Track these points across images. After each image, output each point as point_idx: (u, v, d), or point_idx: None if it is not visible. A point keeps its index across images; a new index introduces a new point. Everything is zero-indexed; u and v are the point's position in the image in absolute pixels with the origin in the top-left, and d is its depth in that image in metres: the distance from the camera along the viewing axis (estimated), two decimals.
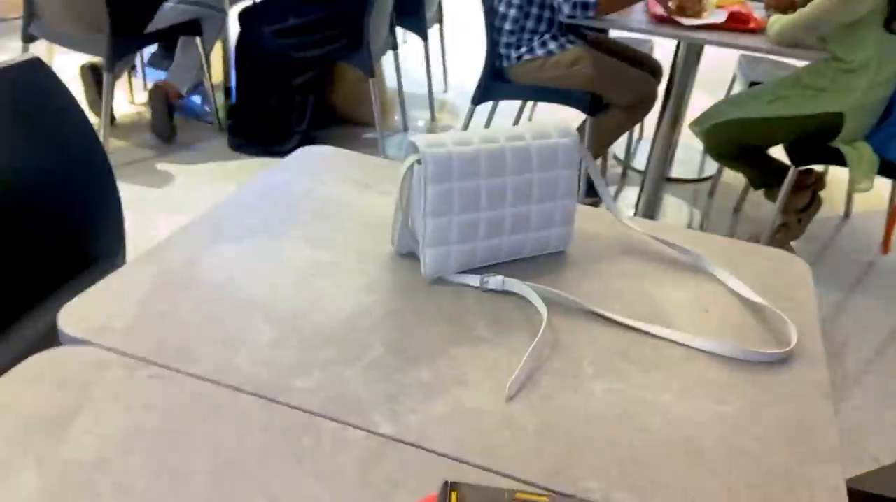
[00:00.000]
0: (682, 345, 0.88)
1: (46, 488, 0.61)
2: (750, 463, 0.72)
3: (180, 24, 2.93)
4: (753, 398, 0.80)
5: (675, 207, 3.09)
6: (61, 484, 0.62)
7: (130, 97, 3.60)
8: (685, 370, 0.84)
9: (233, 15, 3.22)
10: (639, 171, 3.36)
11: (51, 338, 0.79)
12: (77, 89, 3.17)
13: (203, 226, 1.02)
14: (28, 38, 2.84)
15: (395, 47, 3.39)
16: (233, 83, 3.33)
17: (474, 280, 0.93)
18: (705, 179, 3.38)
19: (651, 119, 2.81)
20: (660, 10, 2.40)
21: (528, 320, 0.89)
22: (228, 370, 0.76)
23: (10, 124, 1.18)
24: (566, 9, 2.31)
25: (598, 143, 2.70)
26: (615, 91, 2.58)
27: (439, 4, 3.81)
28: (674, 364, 0.84)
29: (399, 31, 3.46)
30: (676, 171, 3.39)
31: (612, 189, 3.22)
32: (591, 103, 2.58)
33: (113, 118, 3.36)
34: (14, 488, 0.61)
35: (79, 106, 1.28)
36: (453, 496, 0.51)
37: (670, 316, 0.93)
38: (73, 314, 0.81)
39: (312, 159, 1.26)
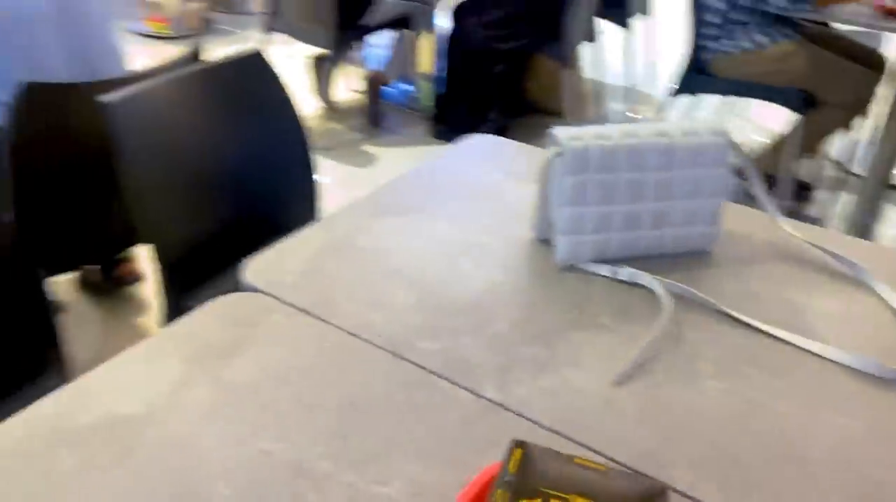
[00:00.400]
0: (817, 355, 0.85)
1: (213, 401, 0.76)
2: (857, 477, 0.69)
3: (393, 17, 3.17)
4: (881, 417, 0.76)
5: None
6: (223, 399, 0.76)
7: (348, 84, 3.95)
8: (814, 381, 0.81)
9: (443, 9, 3.41)
10: (859, 176, 3.06)
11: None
12: (303, 78, 3.54)
13: (369, 202, 1.15)
14: (268, 31, 3.22)
15: (592, 38, 3.38)
16: (440, 73, 3.52)
17: (605, 270, 0.97)
18: None
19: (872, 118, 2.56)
20: (889, 2, 2.18)
21: (653, 313, 0.91)
22: (366, 326, 0.87)
23: (232, 108, 1.40)
24: (782, 1, 2.18)
25: (808, 143, 2.52)
26: (831, 89, 2.39)
27: None
28: (803, 373, 0.82)
29: (601, 22, 3.45)
30: None
31: (828, 195, 2.97)
32: (804, 101, 2.41)
33: (333, 103, 3.70)
34: (189, 398, 0.77)
35: (288, 96, 1.47)
36: (517, 452, 0.57)
37: (810, 325, 0.89)
38: (254, 267, 0.97)
39: (478, 147, 1.35)
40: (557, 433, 0.73)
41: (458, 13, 3.27)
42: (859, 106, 2.43)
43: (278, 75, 1.47)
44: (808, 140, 2.49)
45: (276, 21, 3.17)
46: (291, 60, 3.61)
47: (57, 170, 1.53)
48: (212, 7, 4.74)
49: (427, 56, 3.64)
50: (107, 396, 0.76)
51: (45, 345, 1.21)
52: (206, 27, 4.59)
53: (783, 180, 2.54)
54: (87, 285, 2.17)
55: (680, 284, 0.93)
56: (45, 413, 0.74)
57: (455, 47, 3.28)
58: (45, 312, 1.21)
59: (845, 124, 2.49)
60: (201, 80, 1.36)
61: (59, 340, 1.21)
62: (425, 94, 3.64)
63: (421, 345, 0.85)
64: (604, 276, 0.97)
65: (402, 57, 3.38)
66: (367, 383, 0.79)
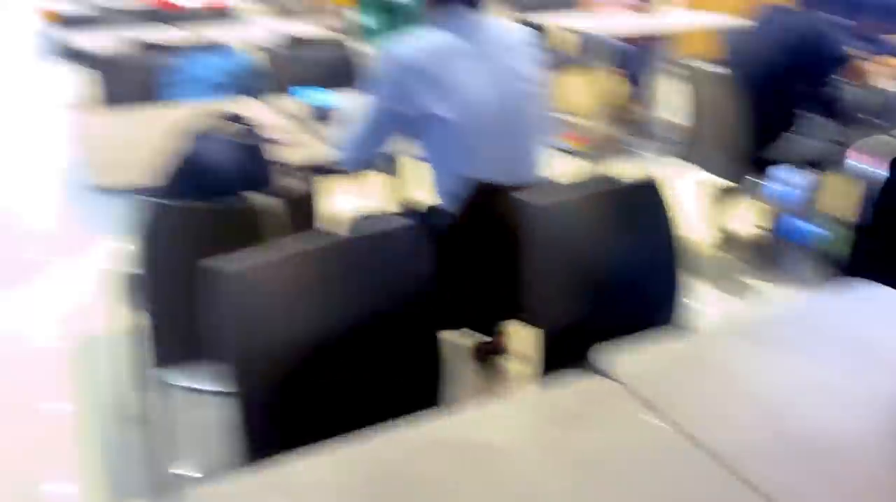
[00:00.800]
0: None
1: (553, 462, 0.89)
2: None
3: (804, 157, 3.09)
4: None
5: None
6: (557, 462, 0.89)
7: (756, 219, 3.87)
8: None
9: (875, 154, 3.20)
10: None
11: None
12: (702, 204, 3.63)
13: (744, 326, 1.19)
14: (683, 158, 3.41)
15: None
16: (862, 221, 3.28)
17: None
18: None
19: None
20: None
21: None
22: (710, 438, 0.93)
23: (623, 223, 1.57)
24: None
25: None
26: None
27: None
28: None
29: None
30: None
31: None
32: None
33: (730, 234, 3.69)
34: (527, 451, 0.91)
35: (673, 219, 1.59)
36: None
37: None
38: (612, 354, 1.10)
39: (865, 295, 1.29)
40: None
41: (893, 165, 3.05)
42: None
43: (667, 201, 1.59)
44: None
45: (688, 150, 3.34)
46: (693, 185, 3.73)
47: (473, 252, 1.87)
48: (630, 132, 5.13)
49: (845, 200, 3.43)
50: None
51: (434, 392, 1.46)
52: (618, 148, 4.98)
53: None
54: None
55: None
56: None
57: (888, 198, 3.04)
58: (436, 364, 1.46)
59: None
60: (600, 198, 1.56)
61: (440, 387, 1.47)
62: (841, 239, 3.41)
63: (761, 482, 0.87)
64: None
65: (812, 197, 3.25)
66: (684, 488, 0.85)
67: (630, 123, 5.21)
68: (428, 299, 1.42)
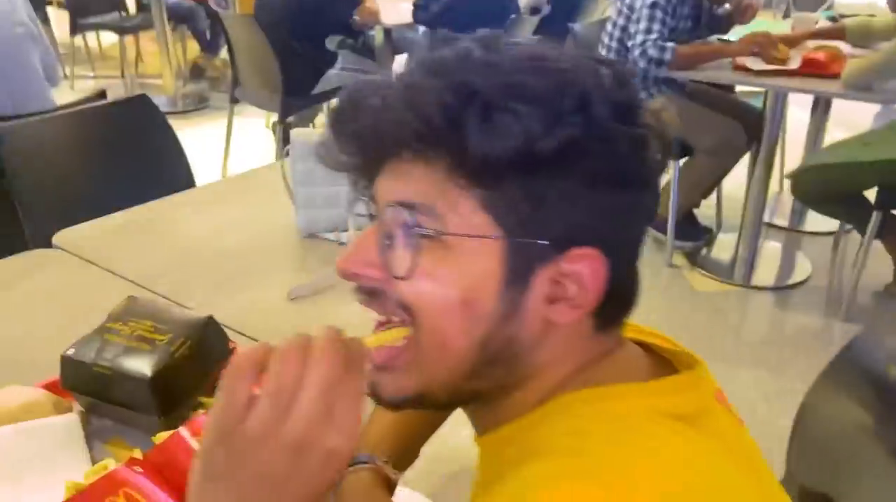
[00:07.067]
0: None
1: None
2: None
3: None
4: None
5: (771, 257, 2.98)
6: None
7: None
8: None
9: None
10: (778, 227, 3.24)
11: None
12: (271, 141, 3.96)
13: None
14: (234, 100, 3.66)
15: None
16: None
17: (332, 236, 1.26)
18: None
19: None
20: (749, 62, 2.45)
21: None
22: None
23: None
24: (641, 63, 2.50)
25: (687, 187, 2.78)
26: (696, 135, 2.66)
27: None
28: None
29: None
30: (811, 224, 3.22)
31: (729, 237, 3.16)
32: (678, 148, 2.68)
33: None
34: None
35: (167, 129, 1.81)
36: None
37: None
38: None
39: None
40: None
41: None
42: (727, 153, 2.70)
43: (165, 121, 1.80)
44: (685, 184, 2.76)
45: (238, 91, 3.61)
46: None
47: None
48: (210, 87, 5.22)
49: None
50: None
51: None
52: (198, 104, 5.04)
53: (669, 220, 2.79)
54: None
55: None
56: None
57: None
58: None
59: (717, 171, 2.76)
60: (87, 116, 1.72)
61: None
62: None
63: None
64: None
65: None
66: None
67: (208, 79, 5.33)
68: None
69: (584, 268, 0.48)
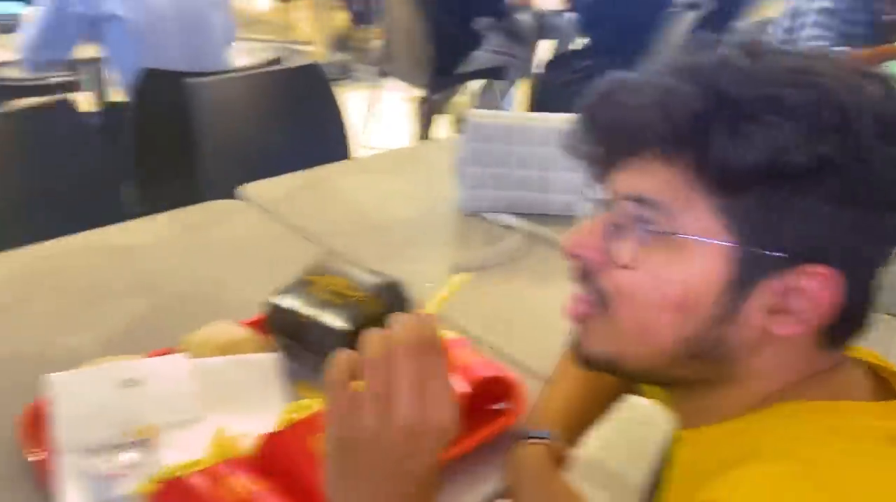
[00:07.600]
0: None
1: None
2: None
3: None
4: None
5: None
6: None
7: (454, 127, 4.41)
8: None
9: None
10: None
11: None
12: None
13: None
14: (382, 73, 3.78)
15: None
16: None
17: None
18: None
19: None
20: None
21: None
22: None
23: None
24: None
25: None
26: None
27: None
28: None
29: None
30: None
31: None
32: None
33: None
34: None
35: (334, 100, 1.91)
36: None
37: None
38: None
39: None
40: None
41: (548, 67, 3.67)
42: None
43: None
44: None
45: (388, 67, 3.72)
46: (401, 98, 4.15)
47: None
48: (355, 58, 5.40)
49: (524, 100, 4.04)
50: None
51: None
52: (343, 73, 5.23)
53: None
54: None
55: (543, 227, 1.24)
56: None
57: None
58: None
59: None
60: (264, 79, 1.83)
61: None
62: None
63: None
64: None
65: (490, 103, 3.80)
66: None
67: (355, 50, 5.51)
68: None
69: (814, 285, 0.47)
